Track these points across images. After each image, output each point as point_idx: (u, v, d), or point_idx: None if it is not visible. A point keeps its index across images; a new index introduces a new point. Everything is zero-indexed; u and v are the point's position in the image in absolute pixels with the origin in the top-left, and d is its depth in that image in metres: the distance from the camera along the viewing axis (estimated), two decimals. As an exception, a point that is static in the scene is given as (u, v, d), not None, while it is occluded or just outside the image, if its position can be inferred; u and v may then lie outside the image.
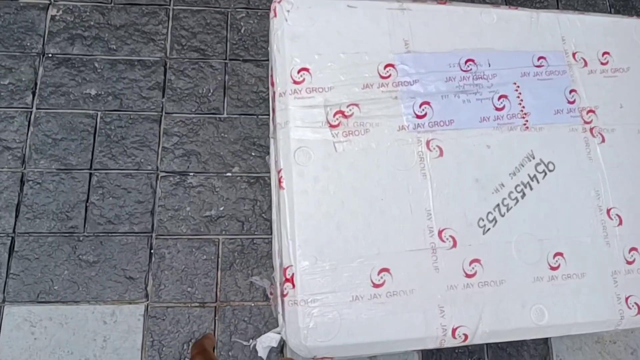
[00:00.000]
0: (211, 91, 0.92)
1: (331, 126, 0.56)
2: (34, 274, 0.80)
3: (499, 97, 0.61)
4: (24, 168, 0.85)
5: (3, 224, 0.82)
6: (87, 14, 0.94)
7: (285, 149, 0.56)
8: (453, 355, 0.82)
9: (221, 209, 0.86)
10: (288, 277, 0.52)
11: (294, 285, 0.52)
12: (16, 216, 0.83)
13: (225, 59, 0.94)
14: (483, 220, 0.57)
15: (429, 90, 0.60)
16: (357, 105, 0.57)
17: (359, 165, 0.56)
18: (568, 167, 0.60)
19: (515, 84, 0.62)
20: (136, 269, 0.82)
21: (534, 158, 0.60)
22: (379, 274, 0.53)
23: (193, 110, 0.91)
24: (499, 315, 0.54)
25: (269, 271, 0.82)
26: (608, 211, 0.60)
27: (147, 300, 0.81)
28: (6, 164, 0.85)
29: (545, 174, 0.60)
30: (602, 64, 0.65)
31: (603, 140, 0.62)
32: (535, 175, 0.59)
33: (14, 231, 0.82)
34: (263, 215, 0.86)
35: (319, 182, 0.55)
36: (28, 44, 0.91)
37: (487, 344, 0.84)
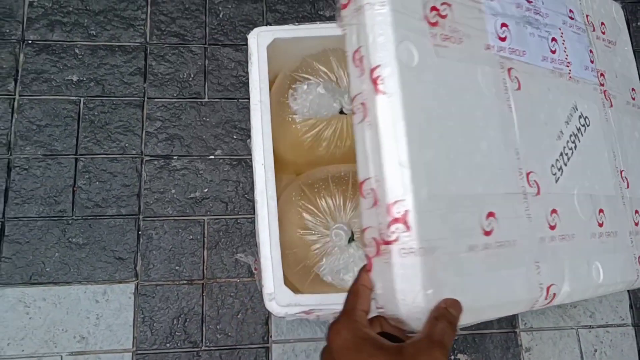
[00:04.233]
0: (192, 76, 0.94)
1: (430, 24, 0.43)
2: (25, 257, 0.83)
3: (552, 39, 0.56)
4: (10, 155, 0.87)
5: (-8, 210, 0.85)
6: (66, -1, 0.95)
7: (386, 37, 0.40)
8: (427, 322, 0.88)
9: (205, 190, 0.89)
10: (398, 215, 0.38)
11: (408, 227, 0.37)
12: (5, 202, 0.85)
13: (205, 44, 0.96)
14: (554, 166, 0.50)
15: (506, 11, 0.51)
16: (449, 5, 0.45)
17: (459, 81, 0.45)
18: (597, 125, 0.57)
19: (560, 29, 0.57)
20: (125, 249, 0.86)
21: (577, 110, 0.55)
22: (487, 218, 0.43)
23: (175, 95, 0.93)
24: (574, 273, 0.49)
25: (253, 249, 0.86)
26: (621, 172, 0.59)
27: (137, 279, 0.85)
28: (-8, 151, 0.87)
29: (585, 128, 0.56)
30: (602, 32, 0.64)
31: (611, 105, 0.61)
32: (579, 128, 0.55)
33: (3, 216, 0.85)
34: (246, 196, 0.90)
35: (425, 91, 0.42)
36: (7, 31, 0.92)
37: (458, 311, 0.90)
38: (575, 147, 0.53)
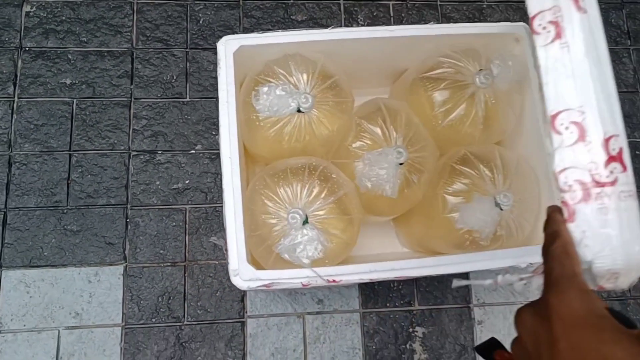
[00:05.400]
0: (174, 78, 1.03)
1: None
2: (25, 243, 0.93)
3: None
4: (11, 151, 0.97)
5: (-5, 201, 0.95)
6: (59, 9, 1.04)
7: None
8: (388, 298, 0.97)
9: (187, 182, 0.99)
10: (614, 153, 0.33)
11: (624, 167, 0.33)
12: (7, 194, 0.95)
13: (186, 48, 1.05)
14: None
15: None
16: None
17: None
18: None
19: None
20: (114, 235, 0.95)
21: None
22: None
23: (159, 95, 1.02)
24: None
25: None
26: None
27: (126, 262, 0.94)
28: (-6, 148, 0.96)
29: None
30: None
31: None
32: None
33: (5, 207, 0.94)
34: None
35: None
36: (6, 39, 1.01)
37: (417, 288, 0.99)
38: None
